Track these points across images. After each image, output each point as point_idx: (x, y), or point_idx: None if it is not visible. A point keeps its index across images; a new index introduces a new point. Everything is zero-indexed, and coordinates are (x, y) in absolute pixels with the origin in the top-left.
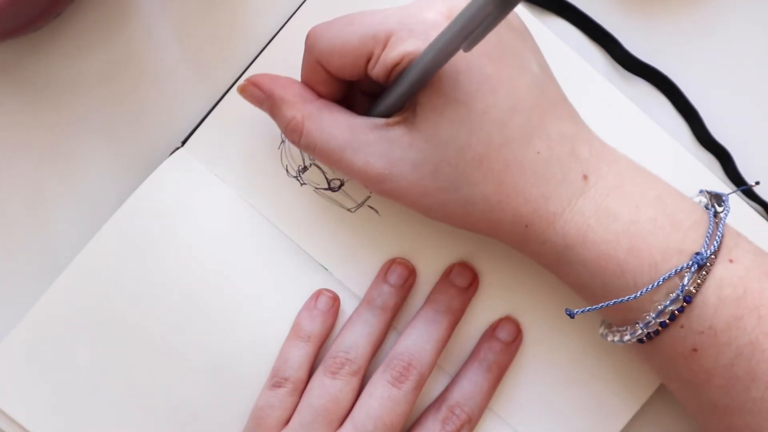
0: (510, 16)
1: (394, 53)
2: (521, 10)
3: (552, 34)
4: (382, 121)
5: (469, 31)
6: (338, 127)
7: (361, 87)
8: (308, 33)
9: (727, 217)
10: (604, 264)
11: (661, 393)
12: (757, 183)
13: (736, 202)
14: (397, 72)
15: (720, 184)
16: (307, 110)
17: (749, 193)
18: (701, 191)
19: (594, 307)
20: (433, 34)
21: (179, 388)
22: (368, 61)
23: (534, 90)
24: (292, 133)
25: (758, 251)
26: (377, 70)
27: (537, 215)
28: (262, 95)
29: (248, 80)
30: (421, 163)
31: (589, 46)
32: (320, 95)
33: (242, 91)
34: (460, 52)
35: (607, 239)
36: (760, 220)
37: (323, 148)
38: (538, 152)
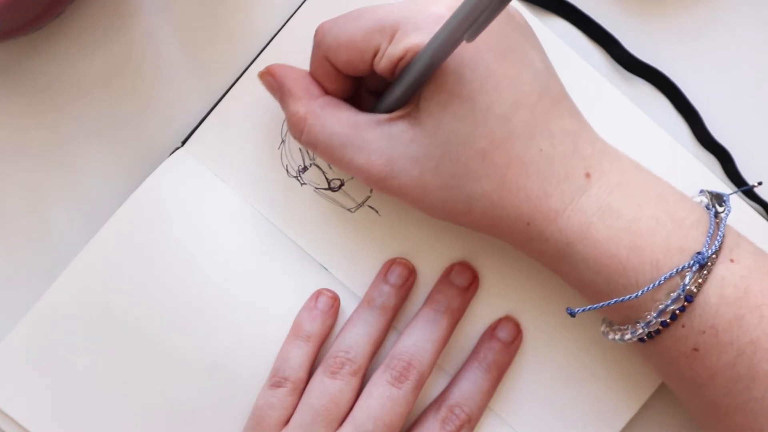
0: (513, 13)
1: (399, 47)
2: (521, 10)
3: (552, 34)
4: (384, 116)
5: (472, 20)
6: (340, 124)
7: (369, 86)
8: (317, 29)
9: (728, 218)
10: (606, 262)
11: (661, 392)
12: (760, 183)
13: (736, 202)
14: (402, 66)
15: (720, 184)
16: (311, 106)
17: (749, 193)
18: (701, 191)
19: (595, 306)
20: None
21: (179, 388)
22: (375, 55)
23: (537, 87)
24: (294, 128)
25: (759, 251)
26: (383, 64)
27: (539, 212)
28: (276, 84)
29: (267, 68)
30: (423, 158)
31: (589, 46)
32: (327, 92)
33: (261, 77)
34: (465, 46)
35: (609, 237)
36: (761, 220)
37: (325, 146)
38: (541, 149)
